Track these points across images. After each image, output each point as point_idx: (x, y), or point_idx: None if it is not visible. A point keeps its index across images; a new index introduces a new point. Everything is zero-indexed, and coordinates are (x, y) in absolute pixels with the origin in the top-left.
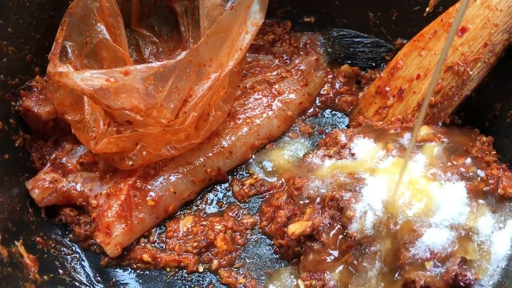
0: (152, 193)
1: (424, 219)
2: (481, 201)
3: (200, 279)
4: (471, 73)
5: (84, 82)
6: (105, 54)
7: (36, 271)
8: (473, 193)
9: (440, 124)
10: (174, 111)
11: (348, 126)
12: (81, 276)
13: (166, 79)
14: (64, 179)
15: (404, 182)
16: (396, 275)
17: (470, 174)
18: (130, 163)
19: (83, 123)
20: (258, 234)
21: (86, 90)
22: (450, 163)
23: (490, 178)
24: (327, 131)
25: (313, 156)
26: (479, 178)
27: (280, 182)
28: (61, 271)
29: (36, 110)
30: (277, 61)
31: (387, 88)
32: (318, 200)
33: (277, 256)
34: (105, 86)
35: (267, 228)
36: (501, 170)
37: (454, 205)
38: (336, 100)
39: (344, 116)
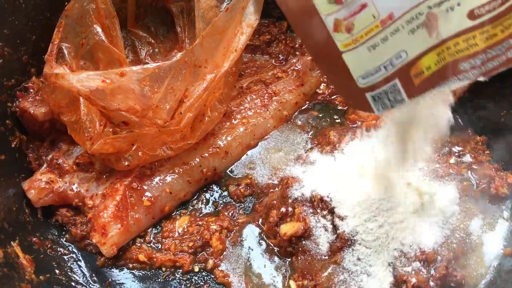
0: (148, 194)
1: (415, 219)
2: (473, 201)
3: (196, 278)
4: None
5: (80, 83)
6: (101, 56)
7: (32, 271)
8: (465, 193)
9: None
10: (170, 112)
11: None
12: (77, 276)
13: (162, 80)
14: (61, 179)
15: (396, 182)
16: (388, 272)
17: (463, 174)
18: (126, 163)
19: (79, 124)
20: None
21: (82, 92)
22: (442, 164)
23: (482, 178)
24: (321, 130)
25: (307, 155)
26: (471, 179)
27: (274, 181)
28: (57, 271)
29: (32, 111)
30: (273, 61)
31: None
32: (309, 200)
33: (274, 254)
34: (101, 87)
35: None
36: (494, 169)
37: (445, 205)
38: (332, 100)
39: (339, 115)
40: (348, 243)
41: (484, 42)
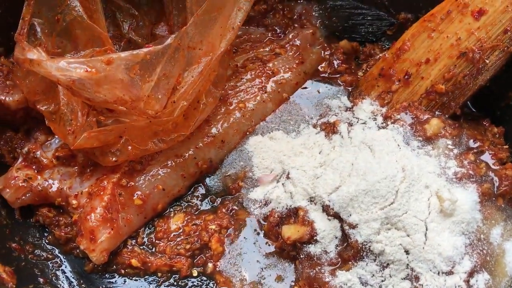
0: (139, 191)
1: (433, 227)
2: (494, 205)
3: (195, 284)
4: (487, 61)
5: (60, 73)
6: (80, 33)
7: (14, 285)
8: (485, 197)
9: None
10: (163, 102)
11: (347, 108)
12: (63, 283)
13: (154, 67)
14: (39, 176)
15: (413, 186)
16: (406, 286)
17: (483, 175)
18: (114, 159)
19: (59, 114)
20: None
21: (63, 81)
22: (461, 162)
23: (504, 179)
24: (326, 112)
25: (311, 142)
26: (492, 180)
27: (275, 171)
28: (41, 280)
29: (3, 99)
30: (269, 34)
31: (392, 71)
32: (313, 199)
33: (276, 256)
34: (85, 77)
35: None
36: None
37: (466, 212)
38: (334, 79)
39: (343, 94)
40: (361, 253)
41: None
